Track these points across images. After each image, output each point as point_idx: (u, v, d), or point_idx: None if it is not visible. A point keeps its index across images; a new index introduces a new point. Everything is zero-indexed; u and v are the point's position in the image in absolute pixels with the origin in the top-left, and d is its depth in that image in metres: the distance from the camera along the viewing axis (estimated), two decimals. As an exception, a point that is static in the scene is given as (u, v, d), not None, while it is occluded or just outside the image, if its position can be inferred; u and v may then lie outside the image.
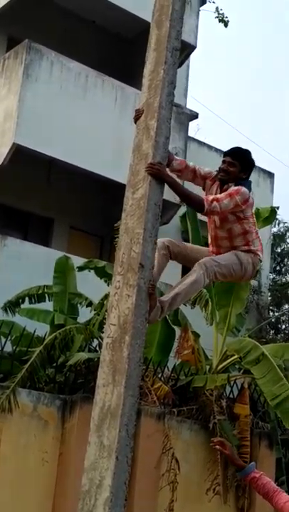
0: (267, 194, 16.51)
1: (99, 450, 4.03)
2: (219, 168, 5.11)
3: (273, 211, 9.42)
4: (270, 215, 9.48)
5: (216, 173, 5.14)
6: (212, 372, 9.21)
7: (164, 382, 8.48)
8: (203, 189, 5.20)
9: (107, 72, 13.74)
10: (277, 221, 18.05)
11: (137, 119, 4.77)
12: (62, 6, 14.24)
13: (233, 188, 4.95)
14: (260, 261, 5.13)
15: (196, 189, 5.10)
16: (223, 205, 4.83)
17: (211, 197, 4.88)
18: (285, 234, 19.66)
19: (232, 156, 5.09)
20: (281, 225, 19.36)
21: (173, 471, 7.62)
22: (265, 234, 13.31)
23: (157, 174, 4.54)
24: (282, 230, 19.56)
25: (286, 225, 19.52)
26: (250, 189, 5.06)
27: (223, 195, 4.90)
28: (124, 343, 4.17)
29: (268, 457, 8.62)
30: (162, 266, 4.95)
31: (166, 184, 4.62)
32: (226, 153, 5.16)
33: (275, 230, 19.07)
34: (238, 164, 5.07)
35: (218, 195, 4.90)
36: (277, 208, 9.52)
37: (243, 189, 4.95)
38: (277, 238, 19.53)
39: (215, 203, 4.82)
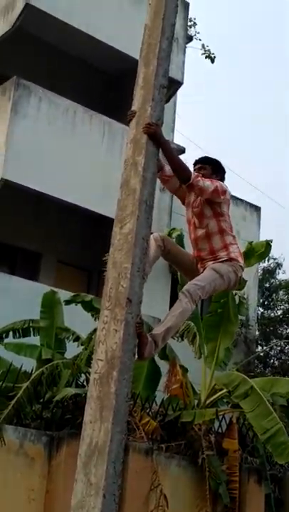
0: (254, 228, 16.63)
1: (86, 488, 3.98)
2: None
3: (268, 245, 9.45)
4: (265, 250, 9.51)
5: None
6: (200, 407, 9.15)
7: (152, 417, 8.41)
8: (182, 202, 5.39)
9: (95, 108, 13.89)
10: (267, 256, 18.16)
11: (129, 120, 4.86)
12: (51, 43, 14.43)
13: (213, 179, 5.19)
14: (242, 268, 5.20)
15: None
16: (205, 183, 5.05)
17: (197, 173, 5.12)
18: (275, 270, 19.74)
19: (201, 162, 5.38)
20: (271, 260, 19.45)
21: (161, 508, 7.51)
22: (252, 267, 13.36)
23: (154, 134, 4.70)
24: (272, 265, 19.64)
25: (276, 261, 19.62)
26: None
27: (206, 179, 5.13)
28: (112, 379, 4.14)
29: (257, 493, 8.53)
30: (154, 258, 5.04)
31: (160, 148, 4.76)
32: (195, 162, 5.41)
33: (264, 264, 19.16)
34: (209, 167, 5.32)
35: (202, 177, 5.12)
36: (271, 241, 9.55)
37: (222, 183, 5.22)
38: (267, 273, 19.61)
39: (199, 178, 5.05)
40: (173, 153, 4.98)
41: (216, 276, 5.06)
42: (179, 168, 5.02)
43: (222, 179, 5.36)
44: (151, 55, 4.93)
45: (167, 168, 5.17)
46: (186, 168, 5.04)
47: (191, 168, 5.24)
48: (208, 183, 5.08)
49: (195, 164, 5.38)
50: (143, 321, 4.60)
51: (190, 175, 5.01)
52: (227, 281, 5.12)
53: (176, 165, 5.00)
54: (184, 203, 5.40)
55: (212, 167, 5.34)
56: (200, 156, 5.45)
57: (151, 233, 4.78)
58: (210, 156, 5.48)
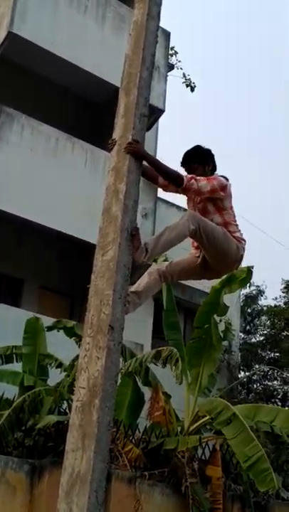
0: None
1: (68, 517, 3.94)
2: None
3: (249, 272, 9.50)
4: (247, 276, 9.55)
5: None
6: (184, 434, 9.10)
7: (135, 444, 8.36)
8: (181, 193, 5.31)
9: (78, 135, 13.97)
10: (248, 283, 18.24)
11: (110, 149, 4.89)
12: (34, 71, 14.53)
13: (210, 177, 5.16)
14: (244, 249, 5.19)
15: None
16: (200, 184, 5.03)
17: (190, 176, 5.07)
18: (257, 296, 19.86)
19: (187, 163, 5.29)
20: (253, 287, 19.56)
21: (145, 537, 7.44)
22: (234, 294, 13.42)
23: (136, 152, 4.75)
24: (254, 292, 19.75)
25: (259, 288, 19.74)
26: (227, 179, 5.23)
27: (201, 178, 5.09)
28: (94, 407, 4.13)
29: (241, 521, 8.48)
30: (150, 291, 5.04)
31: (145, 162, 4.81)
32: (181, 164, 5.33)
33: (247, 290, 19.26)
34: (197, 164, 5.26)
35: (197, 177, 5.08)
36: (252, 267, 9.61)
37: (221, 178, 5.17)
38: (249, 299, 19.70)
39: (193, 180, 5.02)
40: (159, 163, 4.99)
41: (220, 230, 5.08)
42: (169, 175, 5.03)
43: (214, 166, 5.34)
44: (131, 85, 4.99)
45: (160, 179, 5.18)
46: (176, 174, 5.02)
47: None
48: (204, 183, 5.05)
49: (183, 166, 5.31)
50: (138, 229, 4.67)
51: (182, 180, 5.00)
52: (227, 244, 5.09)
53: (165, 173, 5.02)
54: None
55: (199, 162, 5.27)
56: (182, 156, 5.33)
57: (148, 265, 4.82)
58: (189, 149, 5.35)
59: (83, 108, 15.50)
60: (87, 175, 13.60)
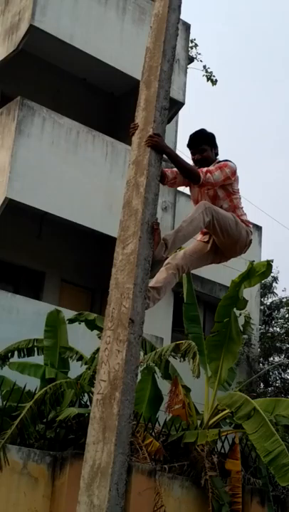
0: (255, 247, 16.64)
1: (89, 510, 3.97)
2: (194, 160, 5.30)
3: (269, 265, 9.47)
4: (267, 269, 9.52)
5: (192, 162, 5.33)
6: (203, 427, 9.11)
7: (155, 437, 8.38)
8: (187, 185, 5.38)
9: (98, 128, 13.97)
10: None
11: (132, 134, 4.89)
12: (54, 64, 14.56)
13: (220, 163, 5.18)
14: (252, 232, 5.33)
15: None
16: (215, 176, 5.07)
17: (204, 169, 5.09)
18: (272, 284, 19.73)
19: (197, 144, 5.29)
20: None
21: (165, 529, 7.47)
22: (254, 287, 13.37)
23: (157, 145, 4.74)
24: (269, 280, 19.63)
25: (272, 274, 19.56)
26: (233, 163, 5.27)
27: (213, 168, 5.12)
28: (115, 400, 4.14)
29: (260, 514, 8.48)
30: (168, 286, 5.04)
31: (164, 155, 4.80)
32: (190, 146, 5.34)
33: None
34: (206, 146, 5.28)
35: (210, 168, 5.11)
36: (272, 261, 9.57)
37: (230, 162, 5.20)
38: (265, 288, 19.59)
39: (208, 174, 5.05)
40: (179, 158, 4.99)
41: (232, 218, 5.15)
42: (187, 171, 5.05)
43: (217, 151, 5.37)
44: (152, 77, 4.98)
45: (168, 174, 5.18)
46: (195, 170, 5.06)
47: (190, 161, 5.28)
48: (218, 174, 5.08)
49: (191, 147, 5.32)
50: (159, 223, 4.70)
51: (199, 176, 5.02)
52: (238, 232, 5.17)
53: (184, 169, 5.03)
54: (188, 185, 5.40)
55: (208, 144, 5.29)
56: (189, 139, 5.33)
57: (165, 258, 4.82)
58: (197, 131, 5.38)
59: (103, 101, 15.51)
60: (108, 168, 13.61)
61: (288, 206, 43.05)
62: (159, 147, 4.79)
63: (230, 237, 5.18)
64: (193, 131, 5.40)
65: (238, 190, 5.31)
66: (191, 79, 16.90)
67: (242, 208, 5.31)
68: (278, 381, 17.48)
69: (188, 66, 16.11)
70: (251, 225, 5.35)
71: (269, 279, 19.49)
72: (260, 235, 16.94)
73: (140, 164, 4.79)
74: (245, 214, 5.31)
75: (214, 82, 16.34)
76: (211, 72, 16.58)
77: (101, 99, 15.49)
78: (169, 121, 14.05)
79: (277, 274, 19.79)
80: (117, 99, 15.37)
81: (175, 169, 5.25)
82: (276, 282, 19.79)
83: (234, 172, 5.18)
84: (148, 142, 4.76)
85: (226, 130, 46.44)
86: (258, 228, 16.98)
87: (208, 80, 16.50)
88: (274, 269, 19.83)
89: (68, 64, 14.54)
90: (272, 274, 19.55)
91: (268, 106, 49.26)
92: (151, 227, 4.61)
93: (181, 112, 15.81)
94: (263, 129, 48.16)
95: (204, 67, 16.89)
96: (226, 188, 5.19)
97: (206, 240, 5.33)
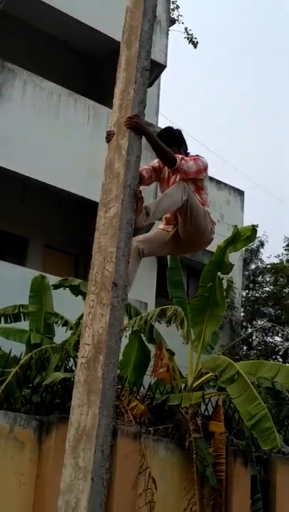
0: (237, 211, 16.67)
1: (74, 472, 4.00)
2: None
3: (254, 230, 9.46)
4: (252, 234, 9.52)
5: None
6: (187, 390, 9.18)
7: (140, 401, 8.44)
8: (159, 180, 5.42)
9: (80, 92, 13.80)
10: None
11: (108, 140, 4.84)
12: (35, 26, 14.30)
13: (193, 156, 5.25)
14: (214, 232, 5.41)
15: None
16: (189, 164, 5.14)
17: (180, 156, 5.14)
18: (258, 250, 19.78)
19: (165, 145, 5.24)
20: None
21: (150, 491, 7.55)
22: (237, 252, 13.41)
23: (136, 127, 4.72)
24: (255, 245, 19.68)
25: (259, 239, 19.61)
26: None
27: (188, 158, 5.19)
28: (99, 363, 4.15)
29: (243, 474, 8.59)
30: (136, 268, 5.10)
31: (143, 136, 4.81)
32: None
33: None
34: (175, 147, 5.27)
35: (185, 157, 5.18)
36: (257, 226, 9.57)
37: (203, 158, 5.28)
38: (251, 253, 19.65)
39: (183, 161, 5.12)
40: (157, 141, 4.99)
41: (202, 210, 5.24)
42: (164, 154, 5.06)
43: (186, 147, 5.41)
44: (133, 37, 4.91)
45: (144, 173, 5.17)
46: (171, 154, 5.08)
47: None
48: (191, 164, 5.15)
49: None
50: (141, 191, 4.74)
51: (176, 160, 5.07)
52: (205, 225, 5.26)
53: (161, 153, 5.05)
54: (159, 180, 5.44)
55: (175, 144, 5.31)
56: (158, 135, 5.29)
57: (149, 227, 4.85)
58: (162, 131, 5.40)
59: (84, 64, 15.30)
60: (90, 132, 13.47)
61: (272, 172, 43.03)
62: (139, 128, 4.75)
63: (197, 227, 5.26)
64: (160, 131, 5.43)
65: (207, 187, 5.38)
66: (173, 43, 16.66)
67: (208, 205, 5.39)
68: (261, 344, 17.67)
69: (169, 28, 15.90)
70: (216, 226, 5.44)
71: (255, 244, 19.55)
72: (242, 200, 16.94)
73: (122, 126, 4.74)
74: (211, 213, 5.40)
75: (195, 45, 16.15)
76: (192, 35, 16.37)
77: (82, 62, 15.28)
78: (151, 85, 13.90)
79: (266, 239, 19.77)
80: (98, 62, 15.17)
81: (150, 167, 5.30)
82: (262, 247, 19.82)
83: (206, 167, 5.27)
84: (127, 123, 4.71)
85: (208, 95, 46.14)
86: (240, 193, 16.96)
87: (189, 42, 16.32)
88: (261, 235, 19.91)
89: (49, 26, 14.30)
90: (259, 239, 19.60)
91: (252, 70, 48.91)
92: (135, 194, 4.61)
93: (163, 76, 15.65)
94: (245, 95, 47.89)
95: (186, 29, 16.68)
96: (196, 183, 5.25)
97: (168, 229, 5.40)
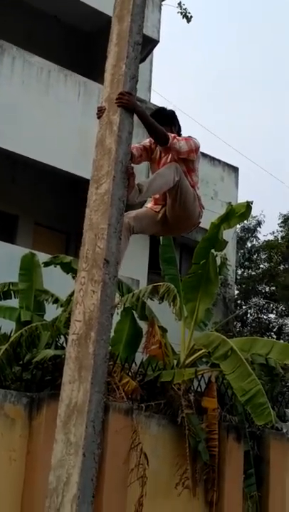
0: (232, 188, 16.62)
1: (66, 447, 4.01)
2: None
3: (249, 206, 9.42)
4: (246, 211, 9.48)
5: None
6: (180, 367, 9.21)
7: (132, 377, 8.46)
8: (150, 160, 5.42)
9: (70, 67, 13.66)
10: None
11: (99, 116, 4.78)
12: (24, 1, 14.11)
13: (184, 137, 5.25)
14: (201, 217, 5.43)
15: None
16: (181, 144, 5.15)
17: (172, 134, 5.15)
18: (255, 229, 19.73)
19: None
20: (251, 219, 19.41)
21: (142, 466, 7.59)
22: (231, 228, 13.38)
23: (128, 105, 4.67)
24: (252, 224, 19.63)
25: (256, 218, 19.59)
26: None
27: (180, 137, 5.20)
28: (90, 340, 4.15)
29: (236, 450, 8.66)
30: (126, 246, 5.10)
31: (135, 114, 4.77)
32: None
33: (245, 222, 19.15)
34: (166, 126, 5.24)
35: (177, 136, 5.18)
36: (252, 202, 9.52)
37: (194, 139, 5.28)
38: (247, 232, 19.62)
39: (175, 140, 5.12)
40: (149, 119, 4.97)
41: (192, 193, 5.25)
42: (157, 132, 5.05)
43: (179, 127, 5.42)
44: (124, 11, 4.85)
45: (134, 152, 5.12)
46: (164, 132, 5.07)
47: None
48: (183, 143, 5.14)
49: None
50: (133, 167, 4.75)
51: (168, 138, 5.05)
52: (193, 208, 5.27)
53: (153, 130, 5.03)
54: (150, 160, 5.43)
55: (167, 123, 5.29)
56: (151, 115, 5.28)
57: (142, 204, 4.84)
58: (154, 111, 5.40)
59: (75, 39, 15.13)
60: (81, 108, 13.36)
61: (270, 149, 42.92)
62: (130, 106, 4.69)
63: (185, 210, 5.27)
64: (153, 111, 5.42)
65: (198, 169, 5.37)
66: (166, 18, 16.47)
67: (198, 187, 5.39)
68: (255, 321, 17.71)
69: (162, 3, 15.72)
70: (204, 210, 5.45)
71: (253, 222, 19.52)
72: (236, 177, 16.88)
73: (113, 102, 4.68)
74: (200, 196, 5.40)
75: (189, 19, 15.94)
76: (185, 9, 16.16)
77: (73, 38, 15.11)
78: (143, 60, 13.76)
79: (264, 219, 19.70)
80: (89, 37, 15.00)
81: (140, 146, 5.27)
82: (260, 227, 19.76)
83: (198, 148, 5.25)
84: (118, 101, 4.65)
85: (202, 71, 45.83)
86: (235, 170, 16.90)
87: (183, 17, 16.08)
88: (259, 213, 19.88)
89: (38, 1, 14.10)
90: (256, 218, 19.57)
91: (246, 46, 48.56)
92: (126, 170, 4.58)
93: (156, 51, 15.52)
94: (240, 71, 47.60)
95: (179, 3, 16.46)
96: (188, 164, 5.24)
97: (157, 209, 5.39)
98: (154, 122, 5.02)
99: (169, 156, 5.23)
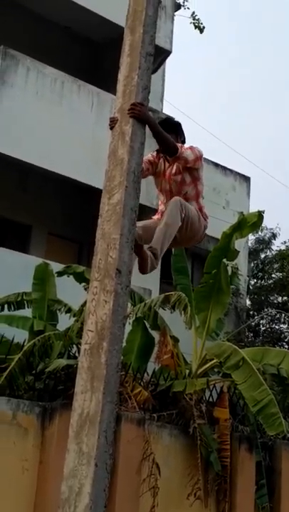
0: (243, 198, 16.61)
1: (78, 457, 4.01)
2: (158, 150, 5.38)
3: (260, 216, 9.41)
4: (258, 220, 9.47)
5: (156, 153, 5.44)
6: (191, 377, 9.20)
7: (144, 387, 8.45)
8: (154, 174, 5.47)
9: (83, 78, 13.74)
10: (261, 227, 18.03)
11: (112, 127, 4.81)
12: (37, 12, 14.23)
13: (187, 145, 5.32)
14: (206, 227, 5.47)
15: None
16: (187, 153, 5.23)
17: (179, 144, 5.23)
18: (270, 240, 19.64)
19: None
20: (265, 231, 19.37)
21: (154, 477, 7.58)
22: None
23: (140, 115, 4.69)
24: (267, 236, 19.55)
25: (271, 231, 19.53)
26: None
27: (184, 147, 5.27)
28: (102, 349, 4.15)
29: (248, 460, 8.62)
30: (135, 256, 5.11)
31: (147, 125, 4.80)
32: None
33: (260, 234, 19.14)
34: (172, 134, 5.30)
35: (182, 146, 5.25)
36: (263, 211, 9.50)
37: (197, 147, 5.34)
38: (262, 244, 19.55)
39: (183, 149, 5.20)
40: (160, 130, 5.00)
41: (196, 213, 5.31)
42: (167, 143, 5.11)
43: (184, 139, 5.48)
44: (137, 22, 4.87)
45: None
46: (174, 143, 5.14)
47: None
48: (189, 152, 5.23)
49: None
50: (142, 235, 4.83)
51: (177, 149, 5.13)
52: (198, 226, 5.31)
53: (164, 142, 5.09)
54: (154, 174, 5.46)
55: (173, 131, 5.35)
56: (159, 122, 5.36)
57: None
58: (163, 121, 5.45)
59: (88, 49, 15.22)
60: (93, 118, 13.42)
61: (279, 160, 42.86)
62: (142, 116, 4.71)
63: (191, 232, 5.34)
64: (160, 120, 5.44)
65: (202, 177, 5.42)
66: (179, 29, 16.54)
67: (202, 197, 5.44)
68: (268, 331, 17.61)
69: (174, 13, 15.79)
70: (208, 219, 5.49)
71: (268, 234, 19.46)
72: (248, 187, 16.86)
73: (125, 112, 4.71)
74: (204, 206, 5.44)
75: (202, 30, 16.01)
76: (198, 20, 16.23)
77: (86, 48, 15.20)
78: (155, 71, 13.83)
79: (279, 232, 19.61)
80: (102, 48, 15.08)
81: (146, 159, 5.27)
82: (274, 239, 19.68)
83: (201, 156, 5.32)
84: (131, 112, 4.67)
85: (214, 81, 45.90)
86: (246, 179, 16.89)
87: (195, 28, 16.17)
88: (274, 225, 19.84)
89: (50, 12, 14.22)
90: (271, 230, 19.51)
91: (257, 56, 48.61)
92: (135, 245, 4.60)
93: (168, 62, 15.57)
94: (252, 81, 47.65)
95: (192, 14, 16.53)
96: (193, 173, 5.30)
97: None
98: (165, 133, 5.06)
99: (174, 167, 5.29)
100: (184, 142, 5.46)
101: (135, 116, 4.67)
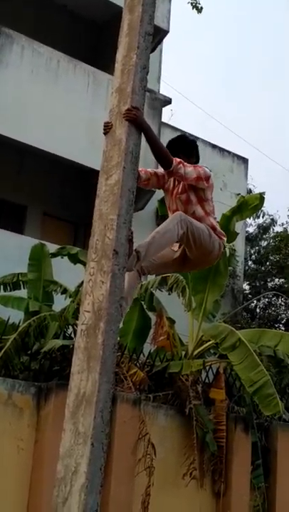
0: (241, 180, 16.57)
1: (74, 437, 4.02)
2: None
3: (261, 198, 9.37)
4: (259, 203, 9.44)
5: None
6: (188, 358, 9.23)
7: (140, 368, 8.49)
8: (163, 188, 5.27)
9: (79, 58, 13.62)
10: (262, 212, 17.98)
11: (106, 132, 4.67)
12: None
13: (195, 165, 5.09)
14: (224, 245, 5.26)
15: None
16: (187, 170, 4.96)
17: (178, 159, 4.97)
18: (270, 226, 19.57)
19: (171, 152, 5.04)
20: (266, 216, 19.31)
21: (149, 456, 7.64)
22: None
23: (135, 120, 4.56)
24: (267, 221, 19.50)
25: (271, 217, 19.46)
26: (209, 170, 5.18)
27: (188, 164, 5.01)
28: (99, 330, 4.15)
29: (243, 441, 8.68)
30: (135, 287, 5.03)
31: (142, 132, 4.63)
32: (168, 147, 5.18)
33: (260, 221, 19.10)
34: (182, 155, 5.12)
35: (185, 163, 5.00)
36: (264, 193, 9.46)
37: (205, 168, 5.11)
38: (262, 229, 19.51)
39: (181, 165, 4.94)
40: (155, 137, 4.81)
41: (206, 231, 5.06)
42: (161, 154, 4.87)
43: (198, 158, 5.28)
44: (136, 1, 4.82)
45: (142, 174, 5.04)
46: (168, 154, 4.89)
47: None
48: (190, 170, 4.97)
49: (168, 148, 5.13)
50: (133, 232, 4.58)
51: (171, 161, 4.88)
52: (211, 245, 5.09)
53: (157, 151, 4.83)
54: (163, 188, 5.28)
55: (184, 152, 5.16)
56: (169, 142, 5.21)
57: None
58: (174, 138, 5.31)
59: (84, 29, 15.07)
60: (89, 98, 13.33)
61: (281, 141, 42.70)
62: (138, 122, 4.57)
63: (203, 249, 5.08)
64: (175, 136, 5.32)
65: (212, 199, 5.20)
66: (176, 8, 16.36)
67: (214, 216, 5.21)
68: (264, 313, 17.64)
69: (172, -7, 15.62)
70: (225, 238, 5.27)
71: (268, 221, 19.41)
72: (246, 168, 16.82)
73: (124, 92, 4.66)
74: (217, 223, 5.22)
75: (200, 10, 15.83)
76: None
77: (82, 27, 15.05)
78: (153, 50, 13.68)
79: (278, 218, 19.56)
80: (99, 27, 14.95)
81: (150, 170, 5.14)
82: (274, 225, 19.61)
83: (208, 177, 5.07)
84: (126, 116, 4.53)
85: (212, 60, 45.61)
86: (244, 161, 16.84)
87: (193, 8, 15.98)
88: (272, 211, 19.77)
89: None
90: (270, 217, 19.46)
91: (257, 36, 48.26)
92: (127, 239, 4.41)
93: (165, 42, 15.43)
94: (251, 61, 47.34)
95: (190, -7, 16.33)
96: (198, 193, 5.08)
97: (175, 248, 5.20)
98: (160, 142, 4.87)
99: (180, 186, 5.09)
100: (197, 160, 5.23)
101: (130, 120, 4.53)
